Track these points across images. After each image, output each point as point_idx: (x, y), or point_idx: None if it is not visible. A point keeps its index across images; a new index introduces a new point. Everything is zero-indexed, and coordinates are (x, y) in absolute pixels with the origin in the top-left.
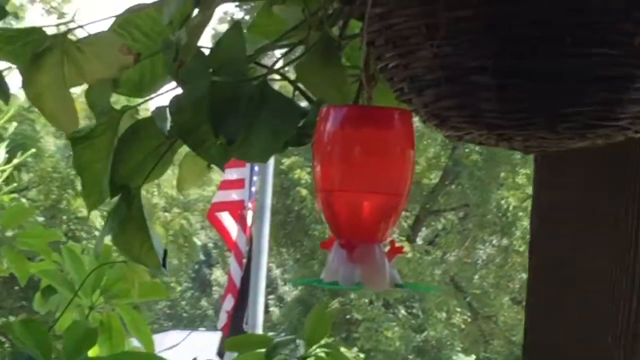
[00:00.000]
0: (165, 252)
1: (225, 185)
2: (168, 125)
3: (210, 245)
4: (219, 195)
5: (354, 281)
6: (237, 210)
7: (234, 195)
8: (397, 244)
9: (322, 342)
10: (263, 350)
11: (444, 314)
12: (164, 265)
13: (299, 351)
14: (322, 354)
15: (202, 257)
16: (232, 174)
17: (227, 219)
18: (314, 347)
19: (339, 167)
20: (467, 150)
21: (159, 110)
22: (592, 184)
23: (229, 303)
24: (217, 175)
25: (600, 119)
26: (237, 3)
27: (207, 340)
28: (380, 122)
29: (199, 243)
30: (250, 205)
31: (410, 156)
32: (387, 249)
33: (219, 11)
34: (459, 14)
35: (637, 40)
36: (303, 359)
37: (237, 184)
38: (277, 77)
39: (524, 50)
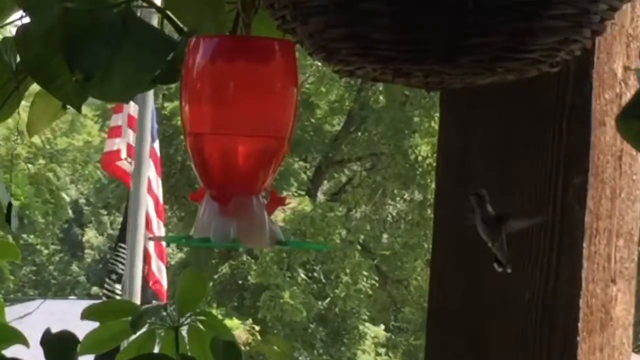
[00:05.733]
0: (10, 205)
1: (111, 132)
2: (16, 59)
3: (82, 201)
4: (108, 144)
5: (228, 237)
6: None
7: (116, 144)
8: (279, 195)
9: (198, 309)
10: (129, 318)
11: (348, 279)
12: (7, 219)
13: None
14: (198, 323)
15: (71, 214)
16: (117, 120)
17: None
18: (187, 314)
19: (210, 106)
20: (374, 92)
21: (5, 42)
22: (504, 127)
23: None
24: (89, 121)
25: (510, 50)
26: None
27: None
28: (257, 54)
29: (67, 199)
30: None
31: (293, 94)
32: (267, 200)
33: None
34: None
35: None
36: (174, 328)
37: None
38: (143, 3)
39: None
